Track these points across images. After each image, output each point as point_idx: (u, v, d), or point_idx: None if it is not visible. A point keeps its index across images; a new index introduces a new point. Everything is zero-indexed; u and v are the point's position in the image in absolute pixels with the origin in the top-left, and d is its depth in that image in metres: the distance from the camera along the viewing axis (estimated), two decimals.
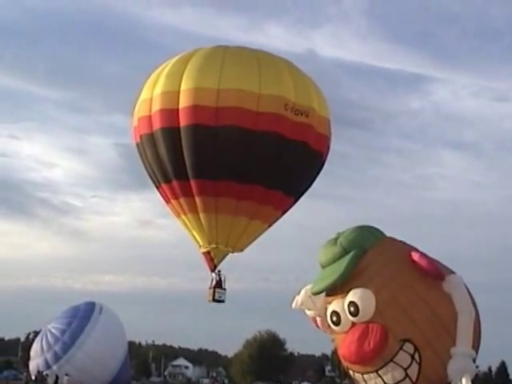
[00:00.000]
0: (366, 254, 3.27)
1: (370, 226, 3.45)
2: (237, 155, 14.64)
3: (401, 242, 3.44)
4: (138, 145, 15.83)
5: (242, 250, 15.90)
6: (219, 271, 15.84)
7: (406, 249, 3.30)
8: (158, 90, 15.04)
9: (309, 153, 15.19)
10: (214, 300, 15.70)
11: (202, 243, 15.60)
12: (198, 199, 15.10)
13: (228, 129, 14.45)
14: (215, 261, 15.64)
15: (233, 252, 15.71)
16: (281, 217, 16.09)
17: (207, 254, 15.59)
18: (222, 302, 15.85)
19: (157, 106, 14.96)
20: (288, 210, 16.11)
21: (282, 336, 56.24)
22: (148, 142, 15.26)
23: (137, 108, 15.73)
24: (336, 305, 3.25)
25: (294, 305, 3.43)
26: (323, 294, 3.29)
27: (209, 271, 15.85)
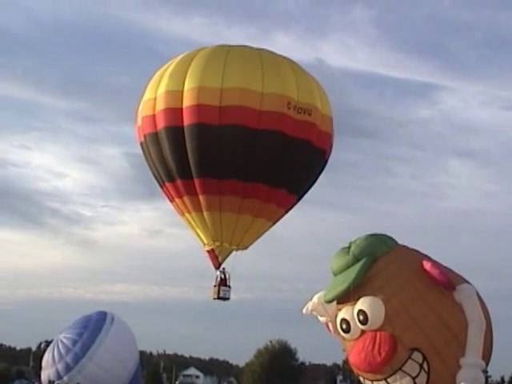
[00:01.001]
0: (377, 262, 3.27)
1: (382, 234, 3.44)
2: (240, 154, 14.72)
3: (413, 250, 3.43)
4: (142, 144, 15.93)
5: (246, 248, 15.97)
6: (224, 269, 15.92)
7: (418, 257, 3.29)
8: (162, 89, 15.14)
9: (312, 151, 15.25)
10: (219, 298, 15.77)
11: (206, 241, 15.69)
12: (202, 198, 15.17)
13: (231, 127, 14.54)
14: (220, 258, 15.73)
15: (237, 250, 15.76)
16: (285, 214, 16.17)
17: (211, 251, 15.68)
18: (227, 299, 15.93)
19: (161, 106, 15.05)
20: (292, 207, 16.20)
21: (293, 345, 56.18)
22: (152, 141, 15.35)
23: (140, 108, 15.84)
24: (346, 312, 3.25)
25: (304, 310, 3.45)
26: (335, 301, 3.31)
27: (213, 269, 15.91)
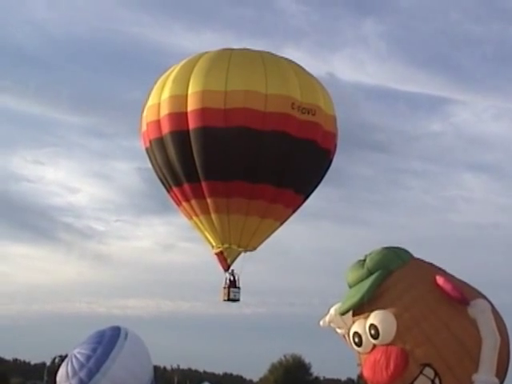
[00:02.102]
0: (391, 276, 3.23)
1: (397, 248, 3.40)
2: (246, 155, 14.85)
3: (428, 264, 3.37)
4: (147, 150, 16.03)
5: (254, 249, 16.08)
6: (233, 271, 16.04)
7: (433, 271, 3.24)
8: (166, 94, 15.25)
9: (317, 151, 15.37)
10: (229, 299, 15.90)
11: (214, 244, 15.79)
12: (209, 200, 15.28)
13: (237, 129, 14.66)
14: (228, 260, 15.83)
15: (245, 251, 15.88)
16: (292, 214, 16.29)
17: (220, 254, 15.78)
18: (237, 300, 16.04)
19: (165, 111, 15.15)
20: (298, 207, 16.32)
21: (307, 360, 55.80)
22: (158, 147, 15.45)
23: (145, 113, 15.96)
24: (358, 326, 3.23)
25: (321, 323, 3.42)
26: (351, 312, 3.29)
27: (222, 271, 16.03)
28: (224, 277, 16.05)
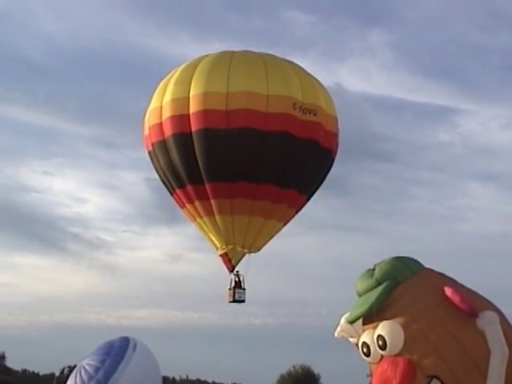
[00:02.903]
0: (399, 287, 3.22)
1: (406, 258, 3.39)
2: (249, 156, 14.91)
3: (439, 274, 3.36)
4: (150, 153, 16.09)
5: (258, 250, 16.11)
6: (237, 272, 16.08)
7: (441, 282, 3.22)
8: (168, 97, 15.31)
9: (319, 150, 15.44)
10: (235, 300, 15.93)
11: (219, 245, 15.83)
12: (213, 202, 15.33)
13: (239, 130, 14.73)
14: (233, 262, 15.87)
15: (250, 252, 15.91)
16: (295, 215, 16.33)
17: (225, 255, 15.82)
18: (243, 301, 16.06)
19: (167, 113, 15.21)
20: (301, 208, 16.35)
21: (316, 370, 55.44)
22: (160, 149, 15.50)
23: (147, 117, 16.01)
24: (366, 336, 3.24)
25: (336, 334, 3.41)
26: (361, 321, 3.29)
27: (227, 272, 16.05)
28: (229, 278, 16.10)
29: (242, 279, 16.05)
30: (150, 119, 15.77)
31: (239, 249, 15.68)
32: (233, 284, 15.99)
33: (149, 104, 16.01)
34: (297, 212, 16.27)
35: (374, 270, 3.34)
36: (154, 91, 16.00)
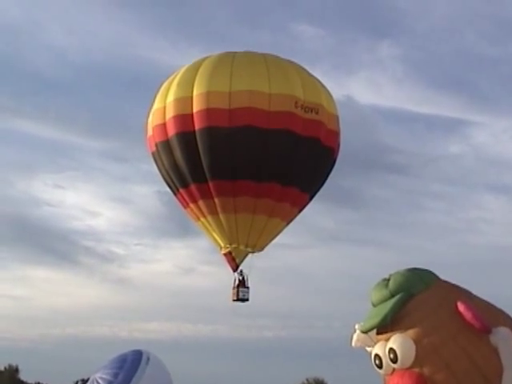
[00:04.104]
0: (412, 300, 3.17)
1: (421, 269, 3.34)
2: (252, 154, 15.05)
3: (453, 286, 3.30)
4: (153, 154, 16.21)
5: (262, 249, 16.21)
6: (241, 271, 16.16)
7: (456, 296, 3.15)
8: (171, 97, 15.46)
9: (321, 149, 15.58)
10: (238, 299, 16.02)
11: (222, 244, 15.93)
12: (216, 200, 15.44)
13: (242, 129, 14.87)
14: (237, 260, 15.96)
15: (253, 252, 16.02)
16: (298, 214, 16.43)
17: (229, 254, 15.91)
18: (246, 300, 16.13)
19: (171, 113, 15.35)
20: (304, 207, 16.47)
21: (329, 383, 55.52)
22: (164, 149, 15.62)
23: (150, 118, 16.15)
24: (379, 348, 3.20)
25: (353, 344, 3.37)
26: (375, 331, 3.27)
27: (231, 271, 16.15)
28: (233, 277, 16.20)
29: (245, 278, 16.14)
30: (153, 120, 15.91)
31: (243, 247, 15.77)
32: (236, 283, 16.07)
33: (151, 105, 16.15)
34: (300, 211, 16.37)
35: (389, 280, 3.30)
36: (157, 93, 16.14)
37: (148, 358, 7.07)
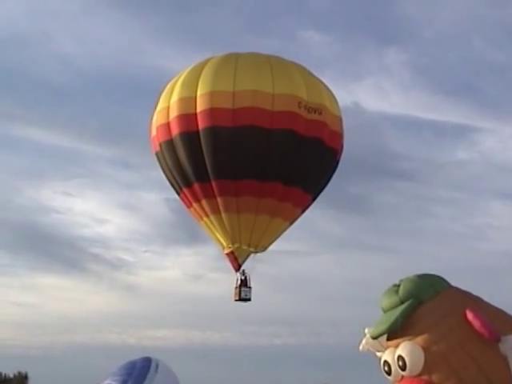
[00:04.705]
0: (422, 307, 3.19)
1: (432, 276, 3.35)
2: (255, 154, 15.08)
3: (463, 293, 3.31)
4: (157, 153, 16.25)
5: (264, 250, 16.21)
6: (243, 270, 16.16)
7: (465, 303, 3.15)
8: (175, 97, 15.53)
9: (324, 150, 15.61)
10: (240, 299, 16.02)
11: (225, 244, 15.94)
12: (219, 200, 15.47)
13: (245, 128, 14.93)
14: (239, 260, 15.96)
15: (255, 252, 16.01)
16: (301, 215, 16.43)
17: (231, 254, 15.92)
18: (249, 300, 16.14)
19: (174, 113, 15.40)
20: (307, 207, 16.46)
21: None
22: (167, 149, 15.66)
23: (154, 118, 16.19)
24: (388, 355, 3.22)
25: (361, 347, 3.40)
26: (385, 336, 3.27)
27: (233, 271, 16.14)
28: (235, 277, 16.18)
29: (248, 278, 16.14)
30: (157, 120, 15.95)
31: (245, 247, 15.77)
32: (239, 282, 16.08)
33: (156, 106, 16.17)
34: (302, 212, 16.37)
35: (399, 286, 3.31)
36: (162, 93, 16.16)
37: (157, 365, 7.06)
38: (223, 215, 15.62)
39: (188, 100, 15.24)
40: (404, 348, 3.11)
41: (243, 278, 16.12)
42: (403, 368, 3.10)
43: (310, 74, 16.17)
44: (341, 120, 16.35)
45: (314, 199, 16.42)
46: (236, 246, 15.75)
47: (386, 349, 3.24)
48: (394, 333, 3.17)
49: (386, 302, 3.32)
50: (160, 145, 15.87)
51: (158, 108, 15.98)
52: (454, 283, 3.44)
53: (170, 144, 15.56)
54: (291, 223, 16.34)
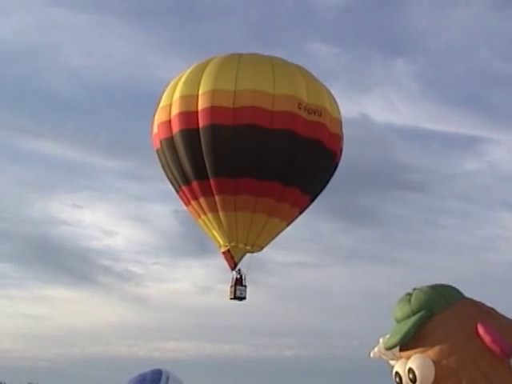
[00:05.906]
0: (433, 319, 3.12)
1: (445, 286, 3.27)
2: (254, 153, 15.20)
3: (477, 305, 3.22)
4: (158, 151, 16.36)
5: (261, 249, 16.34)
6: (239, 269, 16.28)
7: (477, 316, 3.08)
8: (177, 95, 15.68)
9: (323, 151, 15.71)
10: (236, 297, 16.16)
11: (222, 242, 16.05)
12: (217, 198, 15.57)
13: (245, 127, 15.05)
14: (235, 259, 16.06)
15: (252, 251, 16.14)
16: (298, 216, 16.53)
17: (227, 252, 16.01)
18: (244, 298, 16.27)
19: (176, 110, 15.52)
20: (305, 209, 16.57)
21: None
22: (168, 146, 15.77)
23: (156, 115, 16.32)
24: (400, 367, 3.16)
25: (372, 354, 3.35)
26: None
27: (229, 270, 16.26)
28: (231, 276, 16.32)
29: (243, 276, 16.25)
30: (159, 117, 16.08)
31: (241, 246, 15.87)
32: (234, 281, 16.20)
33: (158, 103, 16.28)
34: (300, 213, 16.47)
35: (411, 295, 3.23)
36: (164, 91, 16.29)
37: (168, 378, 7.12)
38: (221, 213, 15.72)
39: (190, 98, 15.37)
40: (414, 361, 3.05)
41: (239, 276, 16.23)
42: (413, 381, 3.04)
43: (312, 76, 16.30)
44: (341, 123, 16.47)
45: (312, 201, 16.52)
46: (233, 244, 15.85)
47: (398, 358, 3.19)
48: (407, 344, 3.11)
49: (399, 312, 3.24)
50: (161, 142, 15.98)
51: (160, 105, 16.11)
52: (464, 294, 3.33)
53: (170, 141, 15.66)
54: (288, 224, 16.45)
